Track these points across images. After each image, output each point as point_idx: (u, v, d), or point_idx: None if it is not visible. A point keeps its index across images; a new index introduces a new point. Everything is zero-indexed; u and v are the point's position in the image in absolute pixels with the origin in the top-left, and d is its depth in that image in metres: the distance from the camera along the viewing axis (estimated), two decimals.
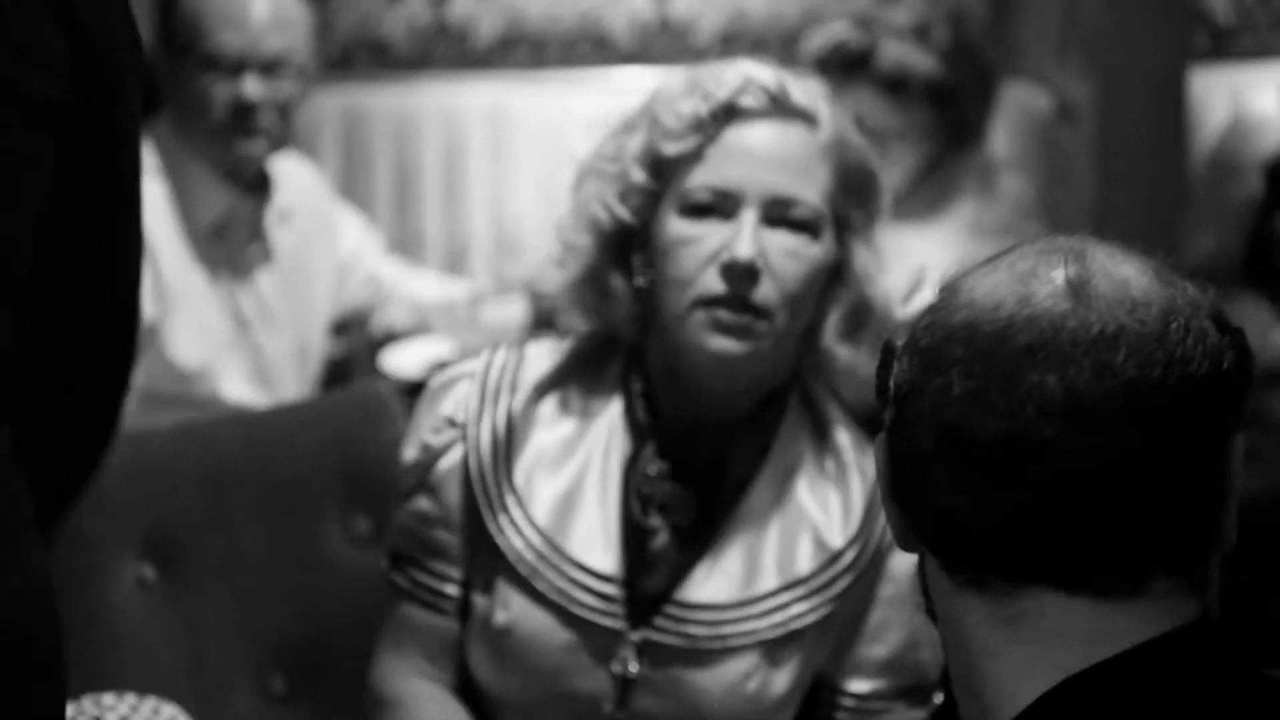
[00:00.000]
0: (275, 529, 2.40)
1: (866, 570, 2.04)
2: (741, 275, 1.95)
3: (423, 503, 2.09)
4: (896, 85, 3.77)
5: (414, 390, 3.15)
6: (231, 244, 3.33)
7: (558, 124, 4.21)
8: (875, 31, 3.74)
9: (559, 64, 4.25)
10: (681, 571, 2.03)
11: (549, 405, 2.08)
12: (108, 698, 2.26)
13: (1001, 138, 4.32)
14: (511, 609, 2.04)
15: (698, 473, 2.04)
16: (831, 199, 2.01)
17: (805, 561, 2.03)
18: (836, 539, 2.03)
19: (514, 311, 3.41)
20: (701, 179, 1.99)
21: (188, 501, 2.37)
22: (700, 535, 2.04)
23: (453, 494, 2.07)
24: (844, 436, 2.08)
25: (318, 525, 2.41)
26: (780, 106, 2.01)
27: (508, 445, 2.06)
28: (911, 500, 1.32)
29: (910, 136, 3.82)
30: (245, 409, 3.14)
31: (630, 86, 4.32)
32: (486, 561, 2.06)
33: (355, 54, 4.24)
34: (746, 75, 2.02)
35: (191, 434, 2.45)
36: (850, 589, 2.03)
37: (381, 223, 4.13)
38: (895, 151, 3.83)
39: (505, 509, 2.04)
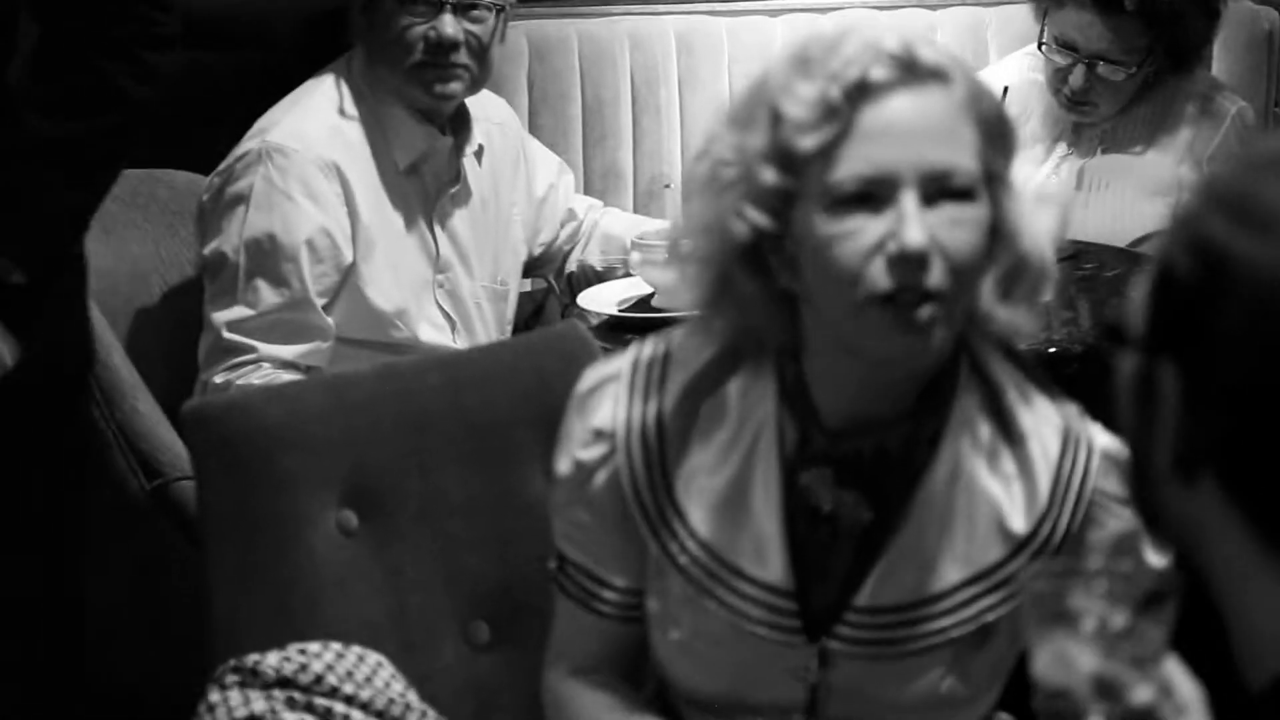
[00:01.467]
0: (475, 473, 2.36)
1: (1060, 549, 1.91)
2: (913, 266, 1.80)
3: (581, 515, 2.02)
4: (1109, 4, 3.65)
5: (614, 329, 3.12)
6: (427, 184, 3.29)
7: (760, 49, 4.12)
8: None
9: None
10: (858, 576, 1.93)
11: (703, 411, 1.97)
12: (313, 646, 2.24)
13: (1223, 60, 4.18)
14: (684, 626, 1.97)
15: (863, 471, 1.92)
16: (981, 155, 1.84)
17: (991, 551, 1.91)
18: (1020, 523, 1.90)
19: None
20: (848, 168, 1.81)
21: (388, 445, 2.34)
22: (873, 536, 1.92)
23: (611, 507, 1.99)
24: (1020, 405, 1.93)
25: (518, 468, 2.37)
26: (912, 71, 1.83)
27: (661, 456, 1.96)
28: (1232, 448, 1.20)
29: (1124, 59, 3.70)
30: (444, 352, 3.11)
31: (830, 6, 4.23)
32: (654, 574, 1.99)
33: None
34: (869, 45, 1.84)
35: (391, 377, 2.42)
36: None
37: (575, 160, 4.07)
38: (1106, 76, 3.72)
39: (666, 524, 1.96)
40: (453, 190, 3.32)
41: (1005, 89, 3.46)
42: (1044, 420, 1.94)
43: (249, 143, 3.17)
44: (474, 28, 3.20)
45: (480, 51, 3.21)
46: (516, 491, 2.36)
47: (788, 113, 1.83)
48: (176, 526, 3.09)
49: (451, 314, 3.32)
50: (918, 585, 1.91)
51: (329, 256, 3.13)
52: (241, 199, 3.12)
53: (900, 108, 1.82)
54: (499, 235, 3.42)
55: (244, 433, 2.30)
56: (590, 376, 2.04)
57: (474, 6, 3.20)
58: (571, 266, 3.60)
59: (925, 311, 1.81)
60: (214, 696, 2.22)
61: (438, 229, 3.31)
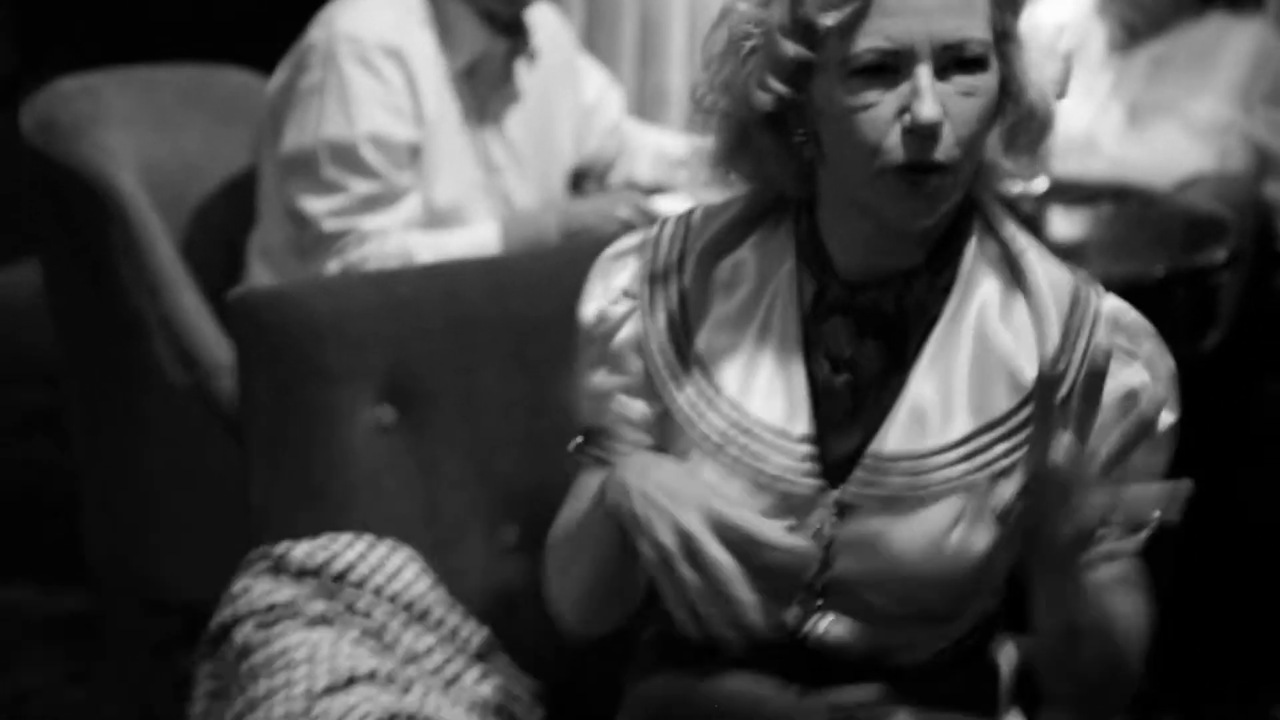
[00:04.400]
0: (515, 374, 2.38)
1: (1066, 399, 1.91)
2: (925, 137, 1.87)
3: (605, 376, 2.06)
4: None
5: None
6: (482, 87, 3.31)
7: None
8: None
9: None
10: (874, 425, 1.97)
11: (722, 271, 2.03)
12: (345, 537, 2.27)
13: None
14: (707, 479, 1.98)
15: (881, 322, 1.98)
16: (992, 21, 1.91)
17: (1001, 400, 1.95)
18: (1031, 373, 1.95)
19: None
20: (866, 42, 1.88)
21: (430, 343, 2.36)
22: (889, 385, 1.97)
23: (634, 365, 2.04)
24: (1031, 254, 2.00)
25: (559, 373, 2.37)
26: None
27: (684, 317, 2.01)
28: None
29: None
30: (492, 254, 3.13)
31: None
32: (675, 433, 2.02)
33: None
34: None
35: (437, 276, 2.44)
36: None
37: (625, 79, 4.07)
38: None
39: (690, 380, 2.00)
40: (504, 93, 3.34)
41: (1061, 28, 3.45)
42: (1055, 277, 1.99)
43: (316, 33, 3.19)
44: None
45: None
46: (554, 394, 2.37)
47: None
48: (214, 420, 3.13)
49: (502, 217, 3.33)
50: (931, 433, 1.95)
51: (403, 140, 3.16)
52: (314, 91, 3.15)
53: None
54: (548, 140, 3.44)
55: (288, 323, 2.31)
56: (615, 245, 2.10)
57: None
58: (616, 178, 3.61)
59: (935, 180, 1.89)
60: (241, 583, 2.24)
61: (490, 132, 3.33)
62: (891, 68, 1.89)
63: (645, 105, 4.11)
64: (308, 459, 2.31)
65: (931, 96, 1.87)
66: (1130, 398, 1.96)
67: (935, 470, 1.95)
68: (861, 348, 1.98)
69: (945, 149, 1.88)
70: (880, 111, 1.89)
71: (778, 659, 1.99)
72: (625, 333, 2.04)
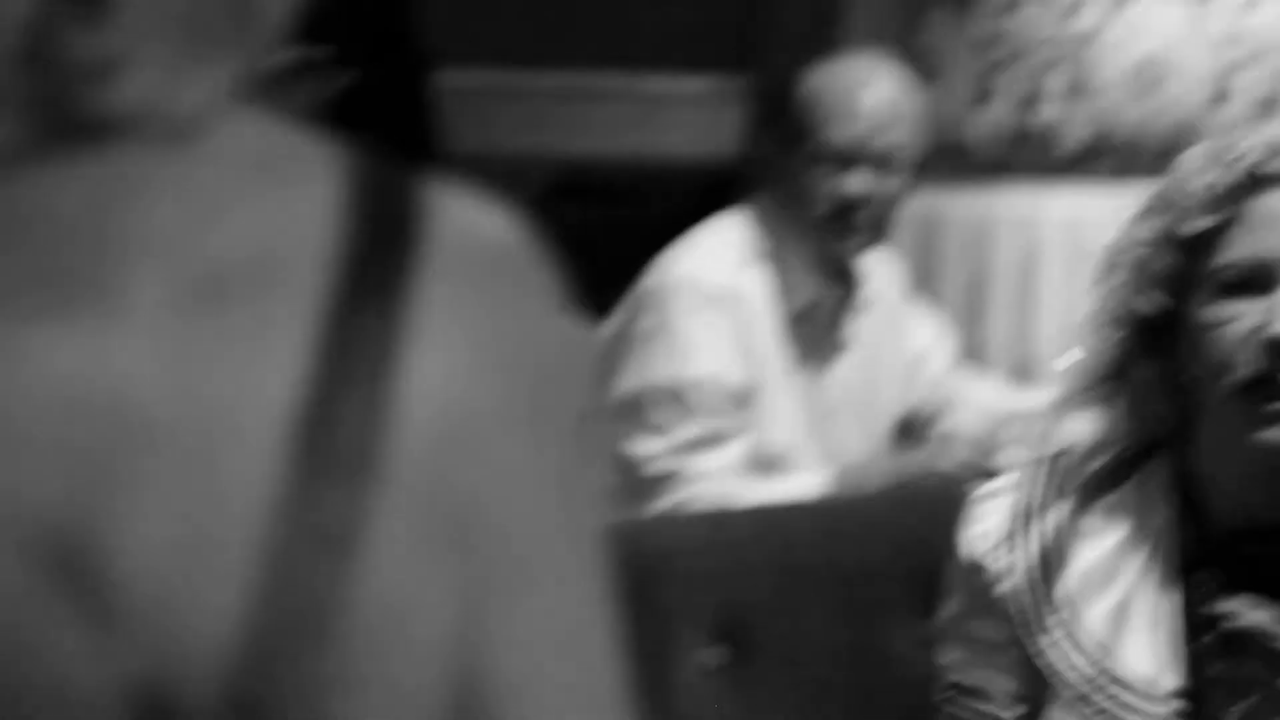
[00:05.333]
0: (842, 622, 2.36)
1: None
2: (1277, 354, 1.79)
3: (982, 626, 1.98)
4: None
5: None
6: (816, 332, 3.32)
7: None
8: None
9: (1148, 173, 4.11)
10: (1250, 686, 1.88)
11: (1096, 515, 1.95)
12: None
13: None
14: None
15: (1263, 577, 1.88)
16: None
17: None
18: None
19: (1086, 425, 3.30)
20: (1234, 254, 1.84)
21: (759, 585, 2.35)
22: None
23: (1009, 616, 1.96)
24: None
25: (885, 622, 2.35)
26: None
27: (1047, 564, 1.93)
28: None
29: None
30: (822, 498, 3.12)
31: None
32: (1034, 690, 1.95)
33: (935, 156, 4.20)
34: (1271, 140, 1.87)
35: (768, 517, 2.44)
36: None
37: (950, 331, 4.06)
38: None
39: (1047, 630, 1.92)
40: (834, 340, 3.35)
41: None
42: None
43: (653, 278, 3.24)
44: (882, 185, 3.22)
45: (884, 209, 3.24)
46: (882, 645, 2.34)
47: (1183, 199, 1.88)
48: None
49: (829, 463, 3.32)
50: None
51: (733, 383, 3.18)
52: (647, 335, 3.19)
53: None
54: (876, 388, 3.43)
55: (621, 560, 2.32)
56: (984, 488, 2.03)
57: (885, 163, 3.22)
58: (943, 429, 3.57)
59: None
60: None
61: (821, 377, 3.34)
62: (1258, 284, 1.83)
63: (969, 358, 4.09)
64: (639, 699, 2.30)
65: None
66: None
67: None
68: (1235, 604, 1.88)
69: None
70: (1238, 327, 1.82)
71: None
72: (1006, 585, 1.96)
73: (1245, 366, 1.81)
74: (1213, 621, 1.90)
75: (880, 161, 3.22)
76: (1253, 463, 1.85)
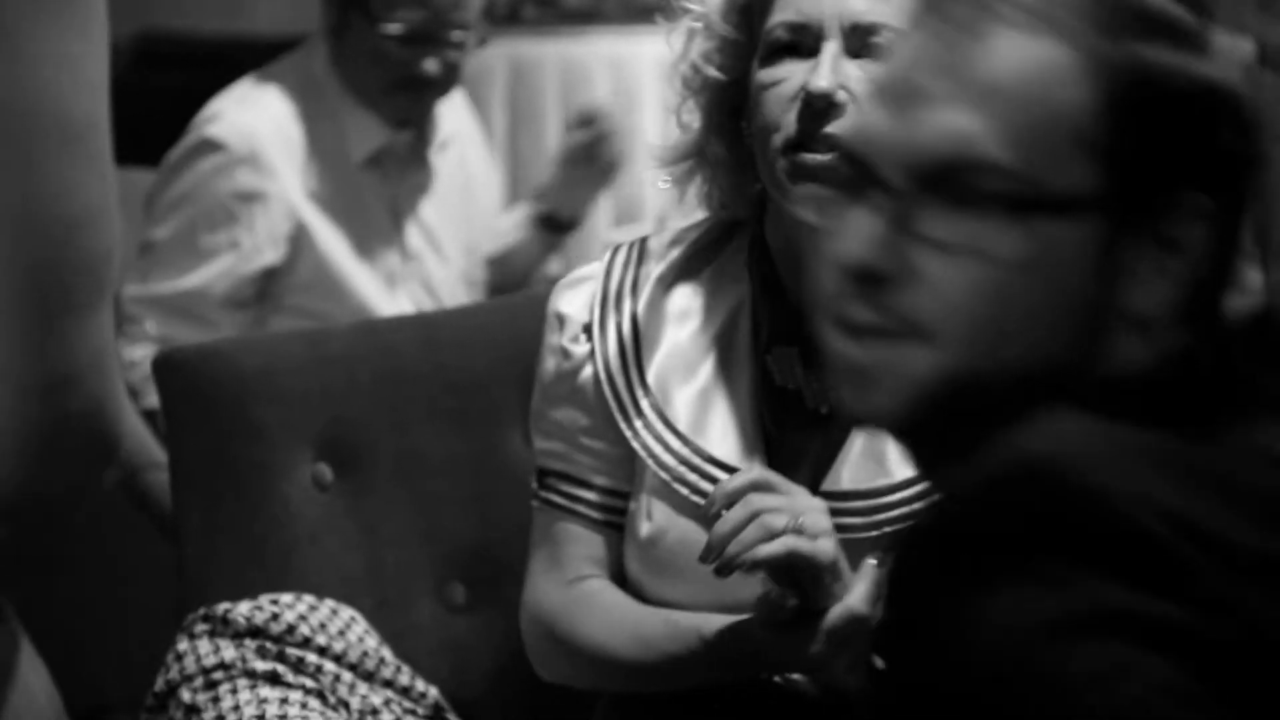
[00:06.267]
0: (453, 432, 2.32)
1: None
2: (819, 110, 1.82)
3: (567, 413, 1.99)
4: None
5: None
6: (389, 175, 3.26)
7: None
8: None
9: None
10: (826, 461, 1.90)
11: (676, 300, 1.96)
12: (286, 597, 2.19)
13: None
14: (655, 518, 1.92)
15: None
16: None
17: None
18: None
19: None
20: (779, 18, 1.87)
21: (365, 400, 2.29)
22: (842, 420, 1.87)
23: (593, 402, 1.97)
24: None
25: (497, 429, 2.32)
26: None
27: (636, 347, 1.95)
28: None
29: None
30: (422, 311, 3.08)
31: None
32: (630, 470, 1.95)
33: (524, 9, 4.19)
34: None
35: (369, 333, 2.39)
36: None
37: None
38: None
39: (641, 414, 1.93)
40: (417, 179, 3.30)
41: None
42: None
43: (191, 132, 3.16)
44: (451, 55, 3.17)
45: (451, 72, 3.20)
46: (496, 451, 2.31)
47: None
48: (143, 515, 3.05)
49: (426, 301, 3.28)
50: (885, 470, 1.88)
51: (250, 262, 3.13)
52: (171, 193, 3.13)
53: None
54: (469, 226, 3.39)
55: (217, 380, 2.25)
56: (565, 280, 2.04)
57: (448, 43, 3.16)
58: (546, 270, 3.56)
59: (827, 158, 1.80)
60: (183, 645, 2.16)
61: (405, 219, 3.28)
62: (802, 47, 1.85)
63: None
64: (244, 518, 2.24)
65: (829, 68, 1.82)
66: None
67: (891, 508, 1.88)
68: (812, 381, 1.90)
69: (840, 125, 1.81)
70: (784, 89, 1.85)
71: (744, 702, 1.92)
72: (588, 371, 1.97)
73: (789, 126, 1.83)
74: (796, 396, 1.90)
75: (449, 42, 3.16)
76: (801, 224, 1.86)
